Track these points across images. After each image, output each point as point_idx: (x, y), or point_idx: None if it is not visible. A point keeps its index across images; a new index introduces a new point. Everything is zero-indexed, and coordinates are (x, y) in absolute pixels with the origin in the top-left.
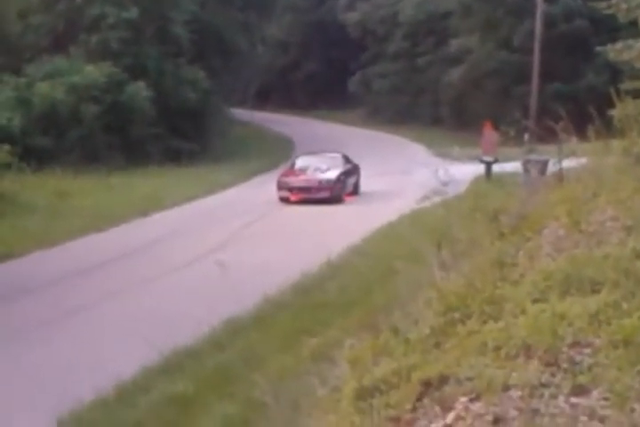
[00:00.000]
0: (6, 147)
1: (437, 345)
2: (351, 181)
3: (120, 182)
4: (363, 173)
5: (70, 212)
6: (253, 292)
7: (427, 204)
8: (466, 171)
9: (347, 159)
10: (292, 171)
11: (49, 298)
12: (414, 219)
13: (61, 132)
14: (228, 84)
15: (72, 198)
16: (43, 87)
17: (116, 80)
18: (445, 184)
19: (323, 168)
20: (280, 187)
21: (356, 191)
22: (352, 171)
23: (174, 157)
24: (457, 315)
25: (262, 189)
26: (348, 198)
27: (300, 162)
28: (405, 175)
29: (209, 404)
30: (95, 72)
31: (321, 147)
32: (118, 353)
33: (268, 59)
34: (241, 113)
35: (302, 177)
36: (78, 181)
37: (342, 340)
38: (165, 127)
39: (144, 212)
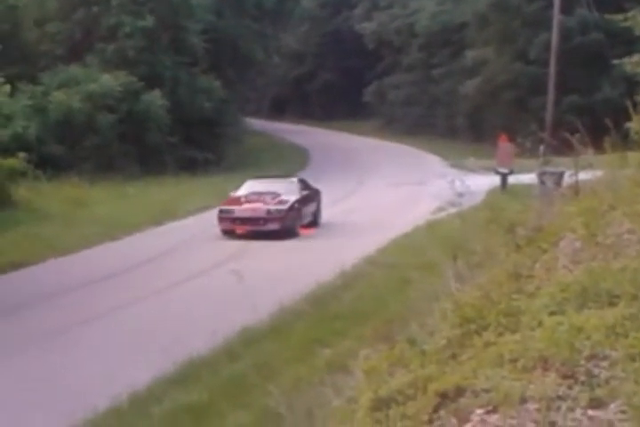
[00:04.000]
0: (22, 155)
1: (454, 357)
2: (309, 209)
3: (135, 191)
4: (378, 183)
5: (85, 220)
6: (268, 301)
7: (442, 215)
8: (481, 182)
9: (305, 184)
10: (237, 198)
11: (64, 306)
12: (429, 230)
13: (77, 141)
14: (243, 94)
15: (87, 207)
16: (59, 96)
17: (132, 89)
18: (461, 195)
19: (274, 195)
20: (221, 218)
21: (315, 222)
22: (310, 198)
23: (189, 166)
24: (473, 326)
25: None
26: (304, 232)
27: (248, 187)
28: (420, 186)
29: (223, 413)
30: (111, 81)
31: (336, 157)
32: (132, 362)
33: (283, 69)
34: (256, 123)
35: (248, 206)
36: (93, 190)
37: (357, 350)
38: (181, 136)
39: (158, 221)
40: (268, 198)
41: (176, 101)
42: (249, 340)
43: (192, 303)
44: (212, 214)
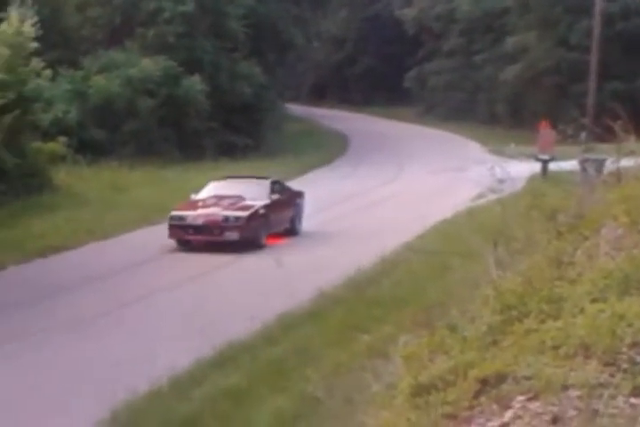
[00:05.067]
0: (62, 139)
1: (494, 343)
2: (283, 216)
3: (174, 176)
4: (417, 169)
5: (124, 204)
6: (308, 287)
7: (482, 201)
8: (522, 169)
9: (280, 187)
10: (193, 202)
11: (104, 289)
12: (470, 216)
13: (117, 125)
14: (282, 80)
15: (126, 191)
16: (99, 80)
17: (172, 74)
18: (501, 182)
19: (236, 199)
20: (172, 226)
21: (293, 230)
22: (285, 203)
23: (228, 151)
24: (514, 313)
25: (316, 184)
26: (273, 241)
27: (211, 189)
28: (460, 173)
29: (262, 398)
30: (151, 65)
31: (375, 143)
32: (173, 345)
33: (323, 54)
34: (295, 108)
35: (203, 211)
36: (133, 174)
37: (396, 336)
38: (220, 122)
39: None
40: (227, 203)
41: (216, 87)
42: (288, 325)
43: (233, 286)
44: None
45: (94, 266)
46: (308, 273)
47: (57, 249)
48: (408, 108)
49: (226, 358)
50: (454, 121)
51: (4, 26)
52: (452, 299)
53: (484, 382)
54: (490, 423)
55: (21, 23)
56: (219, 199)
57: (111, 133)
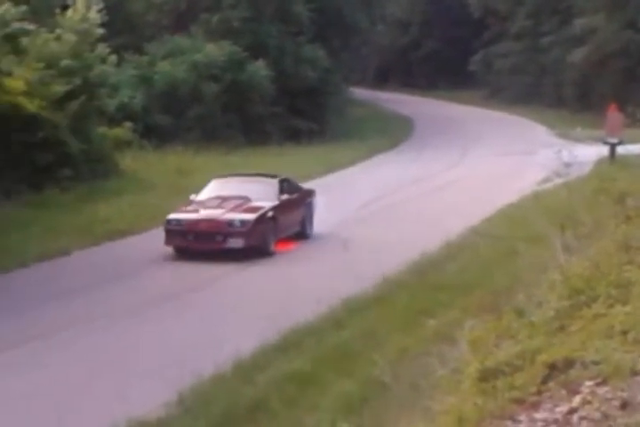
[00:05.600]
0: (128, 124)
1: (562, 328)
2: (293, 218)
3: (239, 161)
4: (482, 153)
5: (189, 189)
6: (372, 271)
7: (549, 185)
8: (589, 153)
9: (290, 185)
10: (193, 204)
11: (171, 273)
12: (536, 200)
13: (181, 111)
14: (347, 63)
15: (191, 176)
16: (164, 66)
17: (236, 59)
18: (568, 166)
19: (242, 200)
20: (169, 231)
21: (305, 233)
22: (295, 203)
23: (293, 136)
24: (582, 298)
25: (381, 168)
26: (283, 248)
27: (213, 189)
28: (526, 156)
29: (328, 382)
30: (215, 51)
31: (440, 127)
32: (238, 330)
33: (387, 38)
34: (359, 92)
35: (203, 214)
36: (198, 159)
37: (462, 321)
38: (285, 106)
39: None
40: (232, 205)
41: (280, 71)
42: (353, 309)
43: (298, 270)
44: (317, 184)
45: (159, 250)
46: (373, 257)
47: (122, 234)
48: (473, 92)
49: (290, 343)
50: (520, 104)
51: (71, 12)
52: (518, 284)
53: (552, 367)
54: (558, 409)
55: (87, 10)
56: (222, 200)
57: (176, 119)
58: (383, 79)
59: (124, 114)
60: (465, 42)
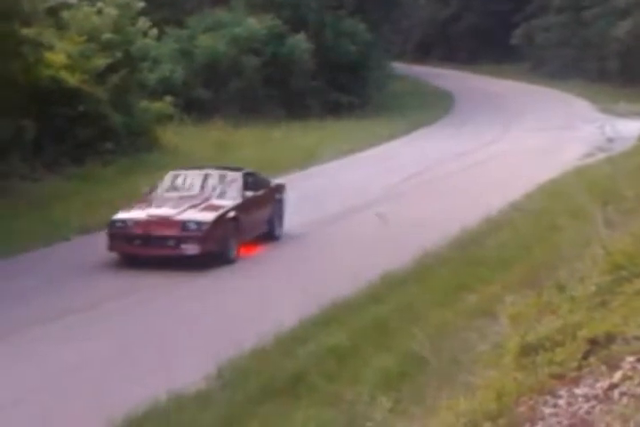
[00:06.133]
0: (169, 98)
1: (603, 304)
2: (259, 217)
3: (279, 135)
4: (524, 127)
5: (230, 163)
6: (412, 246)
7: (591, 160)
8: (632, 127)
9: (255, 180)
10: (143, 201)
11: None
12: (578, 175)
13: (222, 84)
14: (387, 37)
15: (232, 150)
16: (204, 39)
17: (277, 32)
18: (611, 141)
19: (200, 198)
20: (113, 234)
21: (273, 234)
22: (262, 200)
23: (334, 110)
24: (624, 273)
25: (422, 143)
26: (247, 252)
27: (168, 184)
28: (569, 131)
29: (366, 356)
30: (256, 24)
31: (481, 101)
32: (278, 303)
33: (428, 11)
34: (400, 66)
35: (154, 214)
36: (238, 133)
37: (503, 296)
38: (325, 80)
39: (302, 165)
40: (188, 204)
41: (321, 45)
42: (392, 284)
43: (336, 244)
44: (357, 159)
45: None
46: (412, 232)
47: None
48: (515, 66)
49: (330, 317)
50: (563, 78)
51: None
52: (559, 259)
53: (592, 343)
54: (598, 384)
55: None
56: (177, 198)
57: (216, 93)
58: (424, 53)
59: (165, 88)
60: (506, 15)
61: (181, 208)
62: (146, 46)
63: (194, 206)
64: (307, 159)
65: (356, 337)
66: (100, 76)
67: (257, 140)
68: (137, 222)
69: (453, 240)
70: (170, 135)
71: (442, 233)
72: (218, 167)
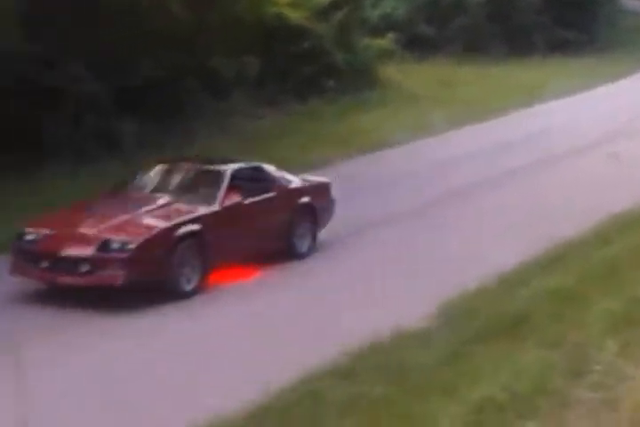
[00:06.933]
0: (391, 35)
1: None
2: (259, 230)
3: (499, 72)
4: None
5: (451, 101)
6: None
7: None
8: None
9: (260, 178)
10: (80, 207)
11: (426, 183)
12: None
13: (445, 21)
14: None
15: (454, 88)
16: None
17: None
18: None
19: (161, 201)
20: (17, 252)
21: (294, 251)
22: (268, 208)
23: (559, 47)
24: None
25: None
26: (227, 279)
27: (150, 178)
28: None
29: (590, 299)
30: None
31: None
32: (499, 244)
33: None
34: (633, 3)
35: (70, 226)
36: (460, 71)
37: None
38: (550, 16)
39: (524, 103)
40: (138, 210)
41: None
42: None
43: (561, 184)
44: (582, 98)
45: (417, 163)
46: None
47: (381, 145)
48: None
49: (554, 259)
50: None
51: None
52: None
53: None
54: None
55: None
56: (136, 200)
57: (439, 29)
58: None
59: (387, 24)
60: None
61: (119, 217)
62: None
63: (146, 214)
64: (529, 98)
65: (581, 280)
66: (323, 13)
67: (478, 78)
68: (46, 236)
69: None
70: (392, 72)
71: None
72: (208, 160)
